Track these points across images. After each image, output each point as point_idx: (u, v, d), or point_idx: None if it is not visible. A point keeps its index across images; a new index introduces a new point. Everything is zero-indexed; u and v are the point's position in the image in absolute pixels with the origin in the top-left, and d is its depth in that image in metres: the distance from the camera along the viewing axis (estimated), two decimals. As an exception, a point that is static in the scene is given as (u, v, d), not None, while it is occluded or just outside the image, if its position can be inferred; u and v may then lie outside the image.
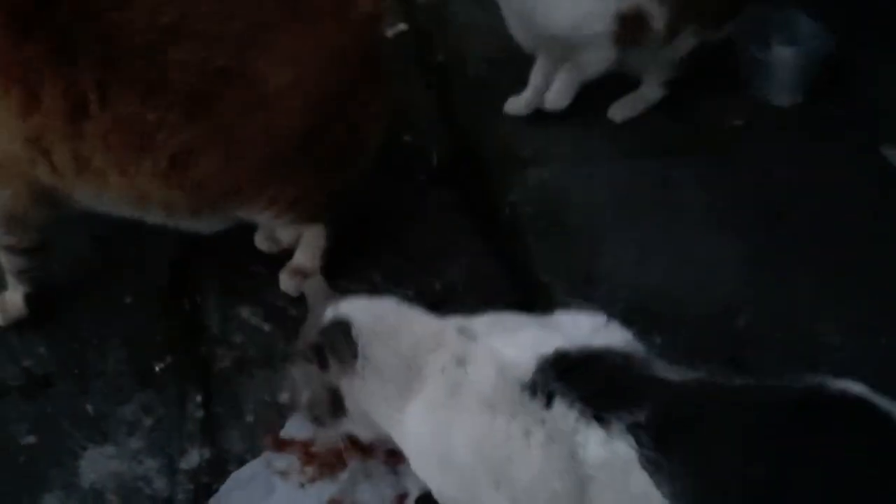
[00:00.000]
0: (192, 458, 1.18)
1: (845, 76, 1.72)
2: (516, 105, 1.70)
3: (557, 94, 1.67)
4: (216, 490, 1.13)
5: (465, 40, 1.92)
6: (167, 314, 1.33)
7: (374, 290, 1.16)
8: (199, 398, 1.23)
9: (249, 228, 1.42)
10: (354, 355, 1.02)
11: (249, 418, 1.21)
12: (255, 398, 1.23)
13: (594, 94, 1.66)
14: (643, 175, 1.59)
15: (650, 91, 1.72)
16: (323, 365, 1.04)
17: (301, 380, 1.07)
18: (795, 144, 1.64)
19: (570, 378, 0.93)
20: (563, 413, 0.92)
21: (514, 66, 1.87)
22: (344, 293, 1.08)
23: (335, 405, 1.05)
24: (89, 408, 1.22)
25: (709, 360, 0.95)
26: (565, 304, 1.31)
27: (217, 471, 1.16)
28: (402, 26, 1.97)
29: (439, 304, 1.35)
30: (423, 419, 1.01)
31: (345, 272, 1.37)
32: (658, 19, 1.53)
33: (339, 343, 1.02)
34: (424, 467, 1.05)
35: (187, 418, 1.22)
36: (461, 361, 1.00)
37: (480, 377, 0.98)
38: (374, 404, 1.04)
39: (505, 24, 1.75)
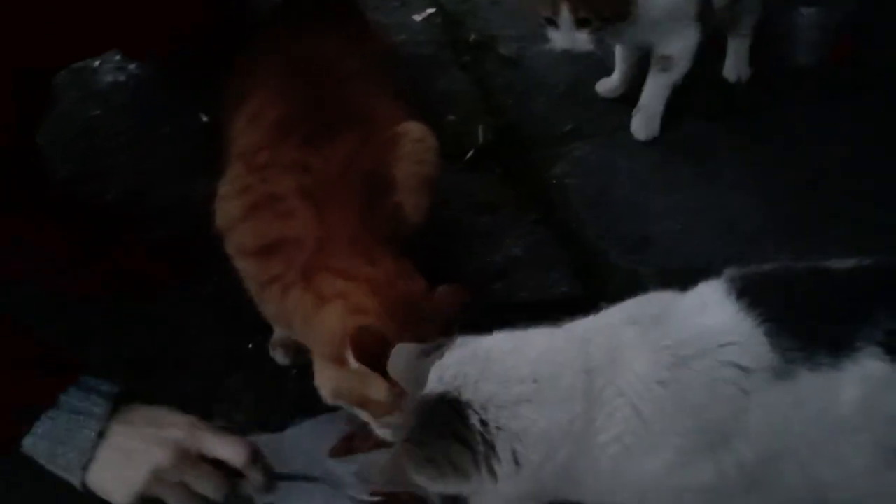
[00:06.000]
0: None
1: (864, 36, 1.80)
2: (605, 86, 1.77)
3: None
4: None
5: (493, 20, 1.99)
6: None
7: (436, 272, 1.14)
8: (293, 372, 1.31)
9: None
10: (487, 453, 0.79)
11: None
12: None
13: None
14: (681, 143, 1.66)
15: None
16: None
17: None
18: (817, 105, 1.71)
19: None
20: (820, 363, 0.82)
21: (543, 41, 1.95)
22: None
23: None
24: (190, 389, 1.29)
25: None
26: (623, 267, 1.43)
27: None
28: (430, 10, 2.04)
29: (502, 276, 1.46)
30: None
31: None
32: None
33: (458, 451, 0.79)
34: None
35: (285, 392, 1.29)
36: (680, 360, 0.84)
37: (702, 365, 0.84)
38: (543, 479, 0.82)
39: (528, 4, 1.81)
